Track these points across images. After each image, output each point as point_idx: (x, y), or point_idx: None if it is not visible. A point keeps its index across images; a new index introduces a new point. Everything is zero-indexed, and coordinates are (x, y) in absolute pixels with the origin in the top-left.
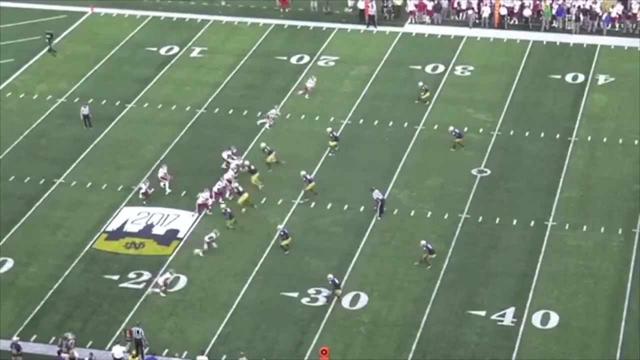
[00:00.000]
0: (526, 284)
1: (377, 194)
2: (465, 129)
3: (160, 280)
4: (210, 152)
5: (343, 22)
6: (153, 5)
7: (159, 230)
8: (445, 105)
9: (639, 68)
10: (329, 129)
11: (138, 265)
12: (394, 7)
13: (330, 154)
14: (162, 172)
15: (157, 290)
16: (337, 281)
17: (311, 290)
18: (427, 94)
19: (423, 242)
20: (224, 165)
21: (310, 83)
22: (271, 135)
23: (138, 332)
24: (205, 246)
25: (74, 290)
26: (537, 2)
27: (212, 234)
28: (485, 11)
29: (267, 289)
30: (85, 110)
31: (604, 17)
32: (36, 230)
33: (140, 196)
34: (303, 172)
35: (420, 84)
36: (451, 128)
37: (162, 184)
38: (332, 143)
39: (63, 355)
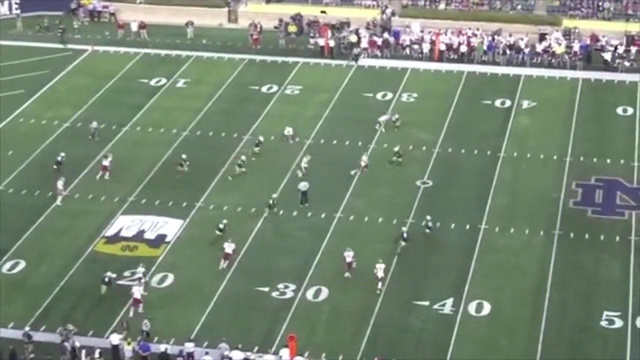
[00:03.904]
0: (463, 278)
1: (302, 186)
2: (411, 147)
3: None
4: (193, 167)
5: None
6: (144, 43)
7: (150, 235)
8: (394, 127)
9: (556, 95)
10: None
11: (132, 265)
12: (349, 44)
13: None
14: (60, 184)
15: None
16: (405, 236)
17: (280, 285)
18: None
19: None
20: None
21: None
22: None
23: (146, 324)
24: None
25: (78, 286)
26: (471, 40)
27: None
28: (426, 47)
29: (243, 284)
30: (94, 125)
31: (526, 52)
32: (45, 236)
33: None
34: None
35: None
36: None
37: (60, 196)
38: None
39: (65, 344)
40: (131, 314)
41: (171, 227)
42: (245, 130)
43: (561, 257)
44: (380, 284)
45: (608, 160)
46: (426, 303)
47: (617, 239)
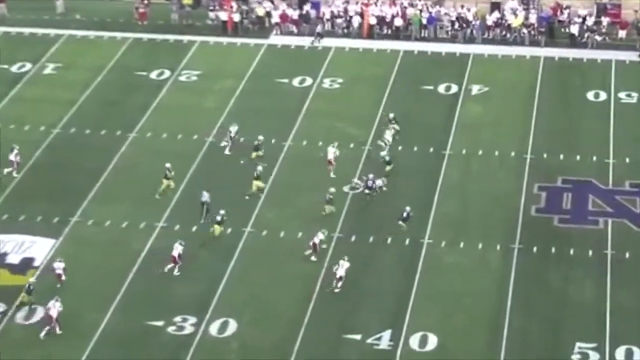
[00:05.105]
0: (403, 305)
1: (204, 197)
2: (336, 144)
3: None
4: (67, 173)
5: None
6: (3, 20)
7: (13, 258)
8: (314, 119)
9: (513, 77)
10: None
11: None
12: (257, 18)
13: None
14: None
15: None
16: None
17: (177, 319)
18: None
19: None
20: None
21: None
22: (132, 153)
23: None
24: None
25: None
26: (407, 11)
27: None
28: (355, 21)
29: (131, 317)
30: None
31: (476, 25)
32: None
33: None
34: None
35: None
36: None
37: None
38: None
39: None
40: (42, 334)
41: (40, 248)
42: (131, 126)
43: (523, 277)
44: (339, 284)
45: (577, 157)
46: (358, 337)
47: (590, 253)
